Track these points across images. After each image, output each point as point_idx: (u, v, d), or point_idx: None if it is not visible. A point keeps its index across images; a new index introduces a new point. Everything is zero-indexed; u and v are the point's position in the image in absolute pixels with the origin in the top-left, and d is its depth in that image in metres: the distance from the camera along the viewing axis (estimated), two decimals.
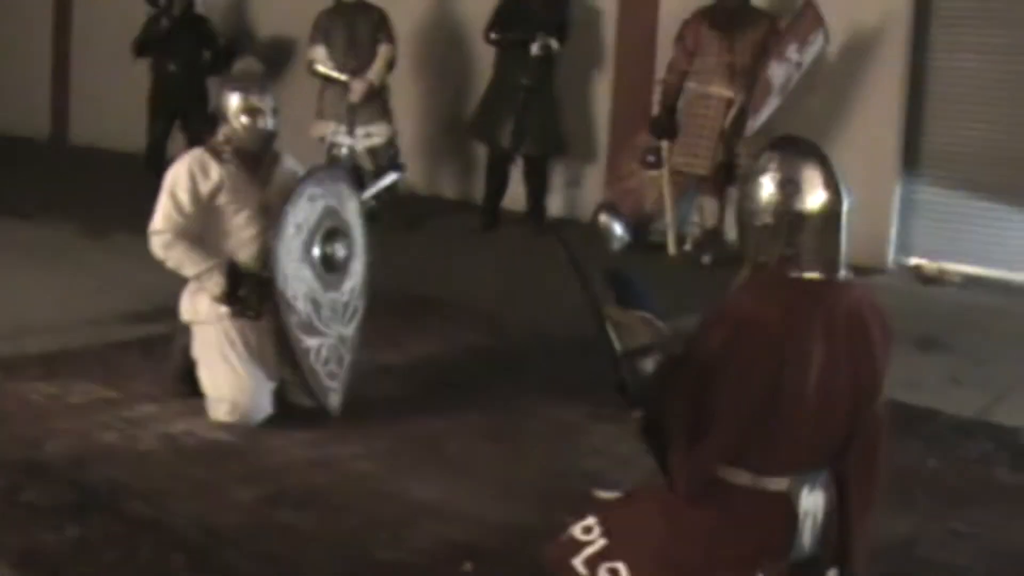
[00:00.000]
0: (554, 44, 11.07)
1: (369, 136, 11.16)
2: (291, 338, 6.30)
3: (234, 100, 6.55)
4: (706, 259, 10.36)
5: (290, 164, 6.73)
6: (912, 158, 10.67)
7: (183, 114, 12.56)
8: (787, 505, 3.89)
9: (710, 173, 10.30)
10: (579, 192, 12.10)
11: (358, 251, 6.69)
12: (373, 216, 6.82)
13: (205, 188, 6.41)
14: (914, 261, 10.60)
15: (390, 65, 11.29)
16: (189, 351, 6.56)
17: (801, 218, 3.85)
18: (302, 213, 6.32)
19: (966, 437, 6.67)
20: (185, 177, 6.41)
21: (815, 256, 3.86)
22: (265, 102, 6.57)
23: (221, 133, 6.58)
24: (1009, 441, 6.64)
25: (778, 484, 3.89)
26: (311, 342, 6.36)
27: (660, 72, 10.94)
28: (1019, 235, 10.29)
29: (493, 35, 11.30)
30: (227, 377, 6.35)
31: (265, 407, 6.39)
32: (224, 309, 6.37)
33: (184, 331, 6.62)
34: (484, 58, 11.70)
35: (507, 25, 11.20)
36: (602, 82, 11.94)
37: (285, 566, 4.90)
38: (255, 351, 6.42)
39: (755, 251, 3.95)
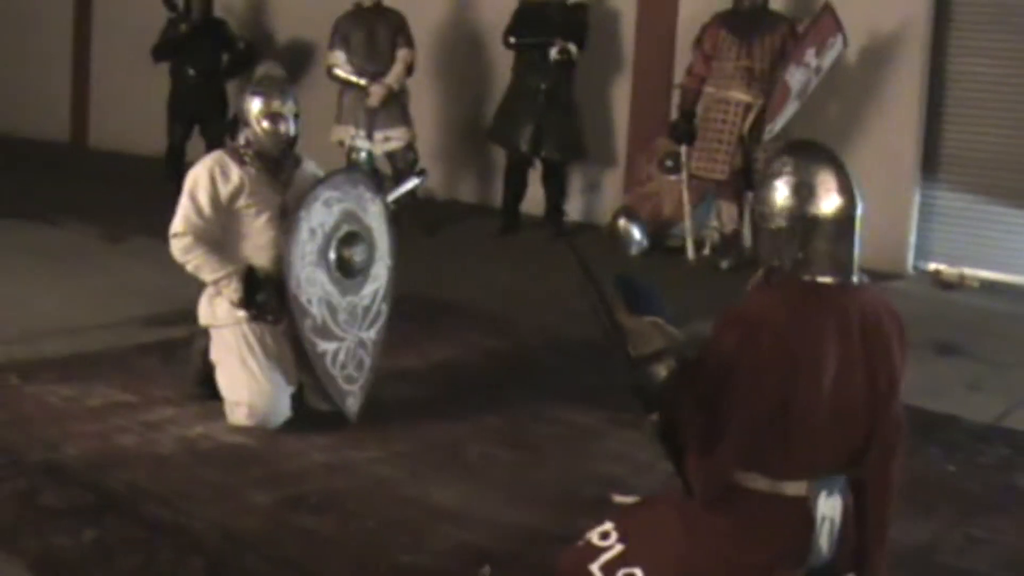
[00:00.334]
0: (573, 49, 11.06)
1: (388, 140, 11.16)
2: (305, 342, 6.31)
3: (255, 104, 6.56)
4: (724, 264, 10.35)
5: (311, 168, 6.73)
6: (931, 163, 10.65)
7: (202, 118, 12.58)
8: (805, 510, 3.88)
9: (728, 178, 10.29)
10: (598, 196, 12.10)
11: (381, 255, 6.69)
12: (391, 220, 6.81)
13: (225, 191, 6.42)
14: (933, 266, 10.58)
15: (409, 69, 11.30)
16: (207, 355, 6.57)
17: (815, 222, 3.84)
18: (317, 217, 6.33)
19: (985, 443, 6.66)
20: (206, 180, 6.43)
21: (828, 260, 3.86)
22: (286, 107, 6.58)
23: (242, 137, 6.59)
24: None
25: (796, 489, 3.88)
26: (326, 346, 6.37)
27: (679, 77, 10.93)
28: None
29: (512, 40, 11.30)
30: (245, 381, 6.36)
31: (284, 411, 6.40)
32: (243, 314, 6.38)
33: (202, 335, 6.63)
34: (503, 63, 11.71)
35: (526, 30, 11.19)
36: (621, 87, 11.93)
37: (304, 570, 4.90)
38: (273, 355, 6.42)
39: (769, 255, 3.95)
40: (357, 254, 6.49)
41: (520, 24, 11.26)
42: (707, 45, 10.39)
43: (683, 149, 10.53)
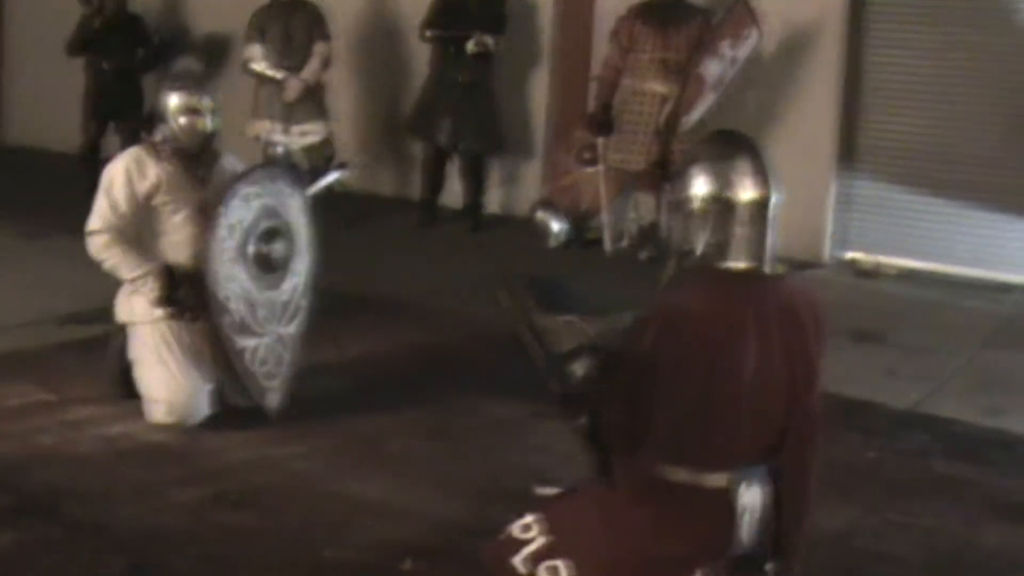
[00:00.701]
0: (490, 41, 11.05)
1: (305, 135, 11.11)
2: (224, 339, 6.28)
3: (173, 100, 6.51)
4: (643, 255, 10.38)
5: (230, 163, 6.70)
6: (848, 153, 10.74)
7: (118, 113, 12.45)
8: (726, 501, 3.89)
9: (646, 169, 10.32)
10: (516, 189, 12.09)
11: (301, 249, 6.66)
12: (311, 214, 6.78)
13: (142, 188, 6.37)
14: (851, 255, 10.67)
15: (326, 63, 11.26)
16: (125, 352, 6.52)
17: (729, 207, 3.84)
18: (236, 213, 6.29)
19: (903, 429, 6.74)
20: (122, 177, 6.38)
21: (743, 247, 3.85)
22: (204, 102, 6.53)
23: (159, 133, 6.54)
24: (945, 432, 6.72)
25: (717, 480, 3.89)
26: (246, 343, 6.34)
27: (597, 69, 10.96)
28: (954, 229, 10.37)
29: (429, 32, 11.28)
30: (164, 378, 6.33)
31: (203, 408, 6.36)
32: (161, 312, 6.33)
33: (120, 332, 6.59)
34: (421, 55, 11.68)
35: (443, 22, 11.18)
36: (539, 79, 11.93)
37: (226, 567, 4.89)
38: (192, 352, 6.39)
39: (683, 240, 3.95)
40: (276, 250, 6.47)
41: (437, 16, 11.24)
42: (623, 37, 10.42)
43: (600, 141, 10.55)
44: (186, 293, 6.30)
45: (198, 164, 6.55)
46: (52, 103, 14.18)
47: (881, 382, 7.50)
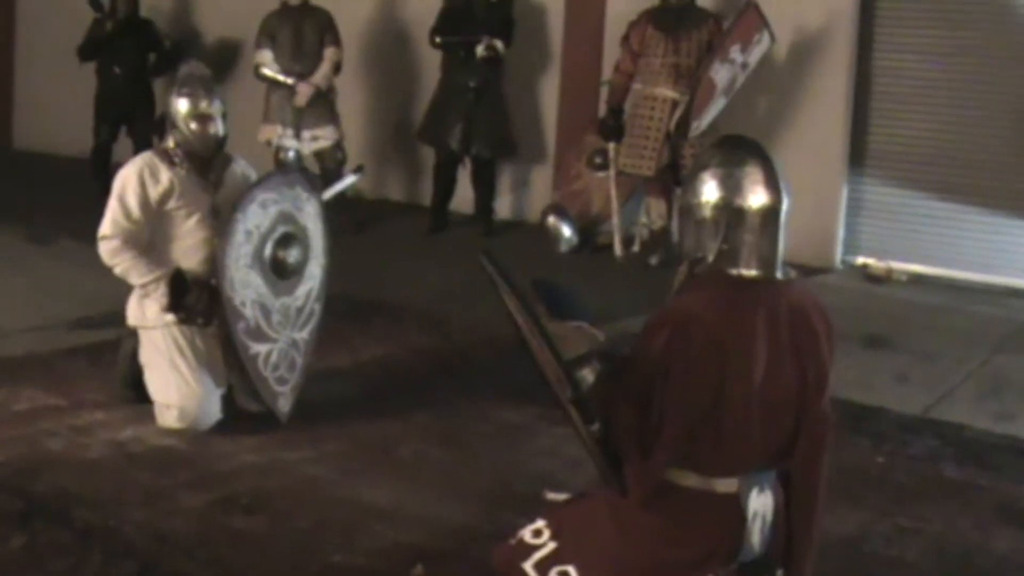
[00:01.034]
0: (499, 45, 11.06)
1: (316, 139, 11.12)
2: (238, 344, 6.28)
3: (183, 106, 6.51)
4: (654, 260, 10.38)
5: (241, 167, 6.70)
6: (858, 158, 10.73)
7: (129, 118, 12.47)
8: (736, 507, 3.90)
9: (656, 174, 10.31)
10: (527, 194, 12.10)
11: (316, 254, 6.66)
12: (327, 220, 6.78)
13: (155, 193, 6.37)
14: (861, 260, 10.66)
15: (336, 68, 11.27)
16: (135, 357, 6.53)
17: (740, 214, 3.86)
18: (253, 219, 6.28)
19: (913, 434, 6.72)
20: (135, 182, 6.38)
21: (753, 253, 3.87)
22: (214, 107, 6.52)
23: (171, 138, 6.54)
24: (955, 438, 6.70)
25: (727, 486, 3.89)
26: (259, 348, 6.34)
27: (607, 74, 10.96)
28: (965, 234, 10.35)
29: (438, 39, 11.29)
30: (175, 383, 6.33)
31: (214, 413, 6.37)
32: (172, 317, 6.33)
33: (130, 337, 6.59)
34: (431, 60, 11.69)
35: (452, 28, 11.19)
36: (550, 84, 11.94)
37: (235, 572, 4.89)
38: (203, 357, 6.39)
39: (693, 247, 3.96)
40: (292, 255, 6.46)
41: (446, 23, 11.25)
42: (634, 42, 10.42)
43: (611, 146, 10.55)
44: (196, 298, 6.30)
45: (210, 169, 6.54)
46: (63, 107, 14.21)
47: (891, 387, 7.49)
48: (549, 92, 11.94)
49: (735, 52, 10.00)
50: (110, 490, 5.55)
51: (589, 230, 10.96)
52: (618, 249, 10.71)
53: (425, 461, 6.12)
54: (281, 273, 6.44)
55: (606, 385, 3.91)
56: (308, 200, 6.64)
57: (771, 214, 3.87)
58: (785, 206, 3.88)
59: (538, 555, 4.02)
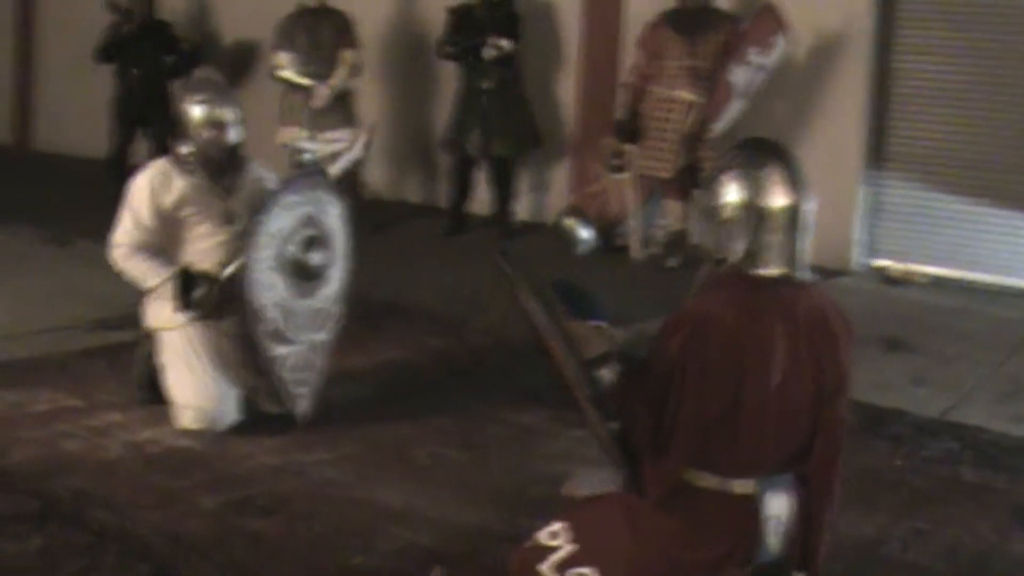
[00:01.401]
0: (505, 44, 11.07)
1: (333, 142, 11.12)
2: (259, 347, 6.28)
3: (196, 113, 6.48)
4: (671, 262, 10.37)
5: (257, 171, 6.68)
6: (877, 160, 10.70)
7: (146, 120, 12.50)
8: (752, 508, 3.89)
9: (674, 176, 10.30)
10: (545, 196, 12.10)
11: (338, 257, 6.66)
12: (349, 222, 6.77)
13: (168, 201, 6.37)
14: (879, 262, 10.64)
15: (354, 70, 11.27)
16: (152, 358, 6.53)
17: (762, 215, 3.86)
18: (277, 222, 6.27)
19: (931, 437, 6.71)
20: (146, 191, 6.38)
21: (775, 254, 3.87)
22: (228, 114, 6.49)
23: (184, 145, 6.53)
24: (973, 441, 6.68)
25: (744, 487, 3.89)
26: (280, 350, 6.34)
27: (624, 75, 10.96)
28: (984, 236, 10.32)
29: (447, 48, 11.33)
30: (192, 384, 6.34)
31: (231, 414, 6.37)
32: (183, 315, 6.34)
33: (146, 338, 6.60)
34: (447, 63, 11.69)
35: (458, 35, 11.22)
36: (567, 85, 11.93)
37: (252, 574, 4.89)
38: (220, 357, 6.40)
39: (716, 248, 3.96)
40: (315, 258, 6.44)
41: (452, 31, 11.30)
42: (651, 44, 10.42)
43: (628, 148, 10.55)
44: (204, 292, 6.29)
45: (224, 174, 6.53)
46: (80, 109, 14.27)
47: (909, 390, 7.47)
48: (566, 93, 11.94)
49: (752, 54, 9.99)
50: (127, 491, 5.56)
51: (606, 232, 10.94)
52: (635, 251, 10.70)
53: (441, 463, 6.12)
54: (304, 276, 6.43)
55: (624, 385, 3.93)
56: (331, 202, 6.63)
57: (792, 214, 3.87)
58: (806, 207, 3.89)
59: (555, 557, 4.01)
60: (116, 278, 6.64)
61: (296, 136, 11.09)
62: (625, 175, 10.63)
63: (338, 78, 11.12)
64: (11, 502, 5.33)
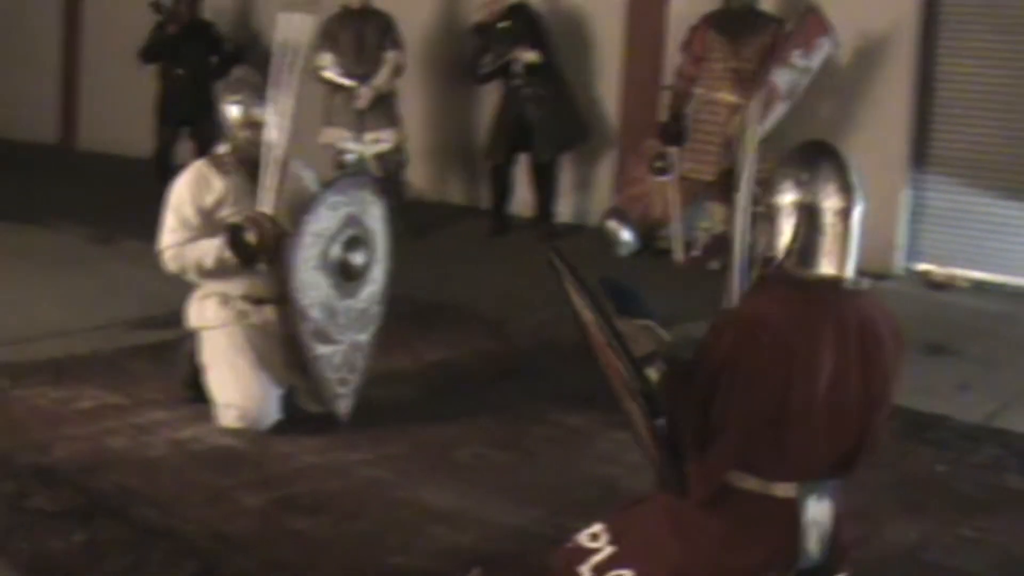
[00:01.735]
0: (532, 55, 11.08)
1: (377, 142, 11.15)
2: (303, 346, 6.29)
3: (234, 113, 6.52)
4: (714, 264, 10.33)
5: (297, 169, 6.69)
6: (921, 163, 10.66)
7: (191, 120, 12.55)
8: (794, 512, 3.88)
9: (718, 179, 10.29)
10: (588, 197, 12.09)
11: (380, 257, 6.67)
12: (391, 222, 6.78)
13: (209, 201, 6.40)
14: (923, 267, 10.58)
15: (397, 71, 11.29)
16: (195, 357, 6.56)
17: (813, 215, 3.85)
18: (321, 222, 6.28)
19: (975, 443, 6.67)
20: (187, 194, 6.42)
21: (824, 255, 3.86)
22: (265, 113, 6.51)
23: (224, 145, 6.56)
24: (1018, 447, 6.64)
25: (786, 491, 3.87)
26: (323, 350, 6.35)
27: (668, 77, 10.95)
28: None
29: (478, 73, 11.38)
30: (235, 383, 6.36)
31: (273, 413, 6.40)
32: (227, 316, 6.35)
33: (190, 337, 6.62)
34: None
35: (485, 54, 11.25)
36: (611, 87, 11.91)
37: (295, 572, 4.90)
38: (263, 357, 6.42)
39: (765, 247, 3.96)
40: (358, 258, 6.46)
41: (479, 52, 11.34)
42: (696, 46, 10.41)
43: (673, 150, 10.53)
44: (255, 235, 6.22)
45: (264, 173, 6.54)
46: (125, 109, 14.32)
47: (953, 395, 7.43)
48: (609, 95, 11.92)
49: (797, 57, 9.96)
50: (171, 489, 5.59)
51: (649, 234, 10.94)
52: (678, 253, 10.69)
53: (485, 464, 6.12)
54: (347, 275, 6.44)
55: (671, 384, 3.92)
56: (374, 203, 6.64)
57: (845, 215, 3.86)
58: (859, 208, 3.88)
59: (595, 559, 4.01)
60: (161, 276, 6.68)
61: (340, 136, 11.12)
62: (669, 178, 10.62)
63: (381, 79, 11.14)
64: (56, 498, 5.36)
